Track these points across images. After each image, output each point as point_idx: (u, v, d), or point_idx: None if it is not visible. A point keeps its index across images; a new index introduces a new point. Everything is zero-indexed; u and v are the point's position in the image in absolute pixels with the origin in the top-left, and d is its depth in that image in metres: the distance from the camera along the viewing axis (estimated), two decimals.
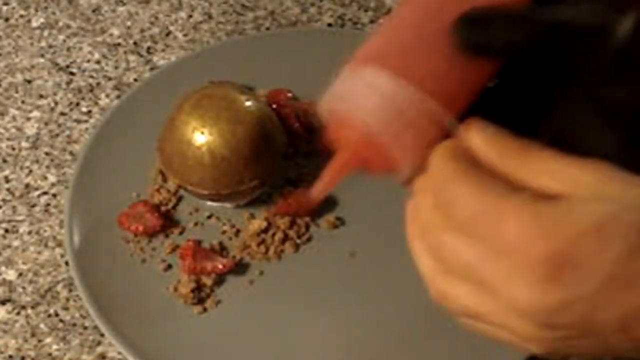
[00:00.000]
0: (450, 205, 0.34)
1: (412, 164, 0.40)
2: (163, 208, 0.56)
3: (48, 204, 0.58)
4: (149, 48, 0.67)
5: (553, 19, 0.35)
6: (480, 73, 0.39)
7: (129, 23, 0.69)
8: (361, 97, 0.39)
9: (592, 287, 0.29)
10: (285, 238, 0.54)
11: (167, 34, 0.68)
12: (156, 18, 0.70)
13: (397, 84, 0.38)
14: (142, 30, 0.69)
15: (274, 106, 0.58)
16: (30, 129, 0.62)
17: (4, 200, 0.59)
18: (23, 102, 0.64)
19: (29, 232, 0.57)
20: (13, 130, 0.62)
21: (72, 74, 0.66)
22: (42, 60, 0.67)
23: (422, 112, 0.39)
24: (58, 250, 0.56)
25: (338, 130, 0.41)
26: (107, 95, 0.64)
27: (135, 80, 0.65)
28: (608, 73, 0.33)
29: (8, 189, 0.59)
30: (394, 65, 0.39)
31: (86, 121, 0.63)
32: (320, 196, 0.44)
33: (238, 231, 0.55)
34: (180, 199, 0.56)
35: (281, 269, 0.54)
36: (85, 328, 0.53)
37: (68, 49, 0.68)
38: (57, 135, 0.62)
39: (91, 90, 0.65)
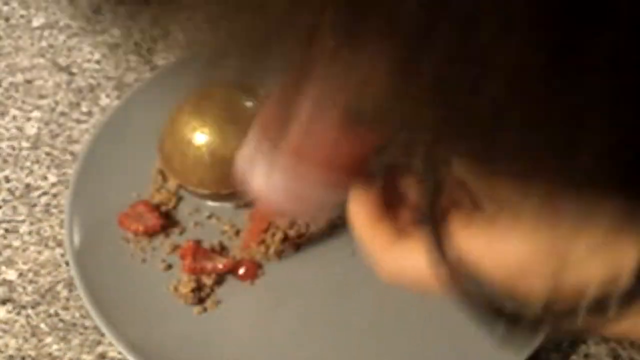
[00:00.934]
0: None
1: (317, 214, 0.47)
2: (163, 208, 0.56)
3: (48, 204, 0.58)
4: (149, 48, 0.68)
5: None
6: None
7: (129, 23, 0.69)
8: (259, 170, 0.43)
9: None
10: (285, 238, 0.54)
11: (168, 34, 0.68)
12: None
13: (287, 155, 0.41)
14: (142, 30, 0.69)
15: None
16: (31, 129, 0.62)
17: (4, 200, 0.59)
18: (23, 102, 0.64)
19: (29, 232, 0.57)
20: (13, 130, 0.62)
21: (72, 74, 0.66)
22: (42, 60, 0.67)
23: (313, 178, 0.41)
24: (58, 250, 0.56)
25: (249, 194, 0.44)
26: (108, 95, 0.64)
27: (135, 80, 0.65)
28: None
29: (8, 189, 0.59)
30: (289, 136, 0.41)
31: (86, 121, 0.63)
32: (247, 247, 0.53)
33: (238, 231, 0.55)
34: (180, 199, 0.56)
35: (281, 269, 0.54)
36: (85, 328, 0.53)
37: (68, 49, 0.68)
38: (58, 135, 0.62)
39: (91, 90, 0.65)
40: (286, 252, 0.54)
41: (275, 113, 0.42)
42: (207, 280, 0.52)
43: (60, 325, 0.53)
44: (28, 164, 0.60)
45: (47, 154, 0.61)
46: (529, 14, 0.21)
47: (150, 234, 0.54)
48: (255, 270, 0.53)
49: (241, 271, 0.53)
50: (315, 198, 0.43)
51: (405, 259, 0.38)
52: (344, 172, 0.42)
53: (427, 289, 0.38)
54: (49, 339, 0.52)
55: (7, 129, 0.62)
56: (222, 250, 0.54)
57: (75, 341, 0.52)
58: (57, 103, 0.64)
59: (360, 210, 0.41)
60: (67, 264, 0.55)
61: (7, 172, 0.60)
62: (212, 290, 0.52)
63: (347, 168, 0.41)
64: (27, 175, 0.60)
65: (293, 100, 0.39)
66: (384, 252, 0.39)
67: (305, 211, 0.45)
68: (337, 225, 0.55)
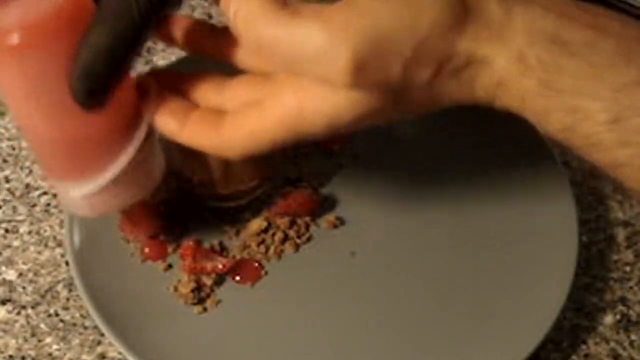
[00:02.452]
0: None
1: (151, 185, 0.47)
2: (163, 208, 0.56)
3: (48, 204, 0.58)
4: (149, 48, 0.67)
5: None
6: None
7: None
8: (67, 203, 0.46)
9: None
10: (285, 238, 0.54)
11: None
12: None
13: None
14: None
15: None
16: None
17: (4, 200, 0.59)
18: None
19: (29, 232, 0.57)
20: (13, 130, 0.62)
21: None
22: None
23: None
24: (58, 250, 0.56)
25: None
26: None
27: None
28: None
29: (8, 189, 0.59)
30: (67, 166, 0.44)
31: None
32: None
33: (238, 231, 0.55)
34: (180, 199, 0.56)
35: (281, 269, 0.54)
36: (85, 328, 0.53)
37: None
38: None
39: None
40: (286, 252, 0.54)
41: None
42: (207, 280, 0.52)
43: (60, 325, 0.53)
44: (28, 164, 0.60)
45: None
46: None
47: (151, 236, 0.54)
48: (254, 273, 0.53)
49: (237, 278, 0.53)
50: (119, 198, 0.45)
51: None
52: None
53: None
54: (49, 339, 0.52)
55: (7, 129, 0.62)
56: (222, 250, 0.54)
57: (75, 341, 0.52)
58: None
59: (165, 128, 0.43)
60: (67, 264, 0.55)
61: (7, 172, 0.60)
62: (212, 290, 0.52)
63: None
64: (27, 175, 0.60)
65: None
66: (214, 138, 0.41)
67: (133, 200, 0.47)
68: (337, 225, 0.55)
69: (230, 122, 0.41)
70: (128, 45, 0.39)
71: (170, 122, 0.42)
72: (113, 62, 0.39)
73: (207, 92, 0.44)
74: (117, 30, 0.38)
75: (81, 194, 0.44)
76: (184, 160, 0.52)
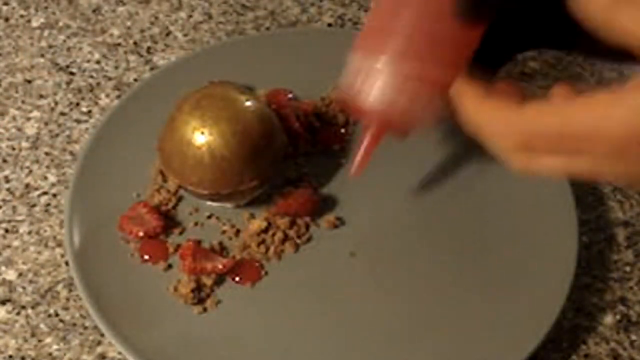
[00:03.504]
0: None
1: (429, 119, 0.44)
2: (163, 208, 0.56)
3: (48, 204, 0.58)
4: (149, 48, 0.68)
5: None
6: (476, 31, 0.41)
7: (129, 23, 0.69)
8: (366, 85, 0.43)
9: None
10: (285, 238, 0.54)
11: (167, 34, 0.69)
12: (156, 18, 0.70)
13: (392, 64, 0.42)
14: (142, 30, 0.69)
15: (274, 106, 0.58)
16: (30, 129, 0.62)
17: (4, 200, 0.59)
18: (23, 102, 0.64)
19: (29, 232, 0.57)
20: (13, 130, 0.62)
21: (72, 74, 0.66)
22: (42, 60, 0.67)
23: (423, 81, 0.42)
24: (58, 250, 0.56)
25: (358, 114, 0.45)
26: (107, 95, 0.64)
27: (135, 80, 0.65)
28: None
29: (8, 189, 0.59)
30: (391, 45, 0.42)
31: (86, 121, 0.63)
32: (360, 173, 0.50)
33: (238, 231, 0.55)
34: (180, 199, 0.56)
35: (281, 269, 0.54)
36: (85, 328, 0.53)
37: (68, 49, 0.68)
38: (57, 135, 0.62)
39: (91, 90, 0.65)
40: (286, 252, 0.54)
41: (376, 23, 0.43)
42: (207, 281, 0.52)
43: (60, 325, 0.53)
44: (28, 164, 0.60)
45: (47, 153, 0.61)
46: None
47: (151, 236, 0.54)
48: (254, 273, 0.53)
49: (237, 278, 0.53)
50: (422, 105, 0.43)
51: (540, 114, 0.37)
52: (449, 71, 0.42)
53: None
54: (48, 339, 0.52)
55: (7, 129, 0.62)
56: (222, 250, 0.54)
57: (75, 341, 0.52)
58: (56, 103, 0.64)
59: (467, 91, 0.41)
60: (67, 264, 0.55)
61: (7, 172, 0.60)
62: (212, 290, 0.52)
63: (451, 65, 0.42)
64: (27, 175, 0.60)
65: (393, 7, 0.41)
66: (513, 110, 0.38)
67: (414, 120, 0.44)
68: (337, 225, 0.55)
69: (535, 103, 0.38)
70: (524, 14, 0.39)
71: (476, 85, 0.41)
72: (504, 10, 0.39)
73: None
74: None
75: (387, 69, 0.43)
76: (185, 161, 0.52)
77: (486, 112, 0.40)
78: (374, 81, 0.43)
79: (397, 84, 0.43)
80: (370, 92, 0.43)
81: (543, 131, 0.37)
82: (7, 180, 0.60)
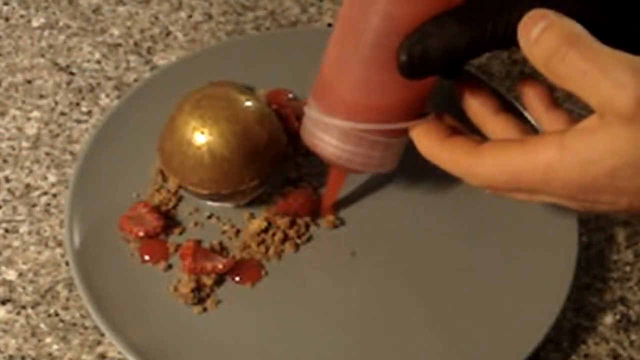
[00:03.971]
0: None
1: (391, 161, 0.48)
2: (163, 208, 0.56)
3: (48, 204, 0.58)
4: (149, 48, 0.68)
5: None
6: (427, 81, 0.43)
7: (129, 23, 0.69)
8: (325, 136, 0.46)
9: None
10: (285, 238, 0.54)
11: (167, 34, 0.69)
12: (156, 18, 0.70)
13: (348, 124, 0.44)
14: (142, 30, 0.69)
15: (274, 106, 0.58)
16: (31, 129, 0.62)
17: (4, 200, 0.59)
18: (23, 102, 0.64)
19: (29, 232, 0.57)
20: (13, 130, 0.62)
21: (72, 74, 0.66)
22: (42, 60, 0.67)
23: (380, 134, 0.45)
24: (58, 250, 0.56)
25: (320, 159, 0.48)
26: (107, 95, 0.64)
27: (135, 80, 0.65)
28: None
29: (8, 189, 0.59)
30: (344, 107, 0.44)
31: (86, 121, 0.63)
32: (330, 212, 0.55)
33: (238, 231, 0.55)
34: (180, 199, 0.56)
35: (281, 269, 0.54)
36: (85, 328, 0.53)
37: (68, 49, 0.68)
38: (57, 135, 0.62)
39: (91, 90, 0.65)
40: (286, 252, 0.54)
41: (329, 76, 0.45)
42: (207, 281, 0.52)
43: (60, 325, 0.53)
44: (28, 164, 0.60)
45: (47, 154, 0.61)
46: None
47: (151, 236, 0.54)
48: (254, 273, 0.53)
49: (237, 278, 0.53)
50: (381, 151, 0.46)
51: (499, 155, 0.39)
52: (406, 118, 0.44)
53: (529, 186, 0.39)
54: (49, 339, 0.52)
55: (7, 129, 0.62)
56: (222, 250, 0.54)
57: (75, 341, 0.52)
58: (56, 103, 0.64)
59: (427, 133, 0.43)
60: (67, 264, 0.55)
61: (7, 172, 0.60)
62: (212, 290, 0.52)
63: (406, 114, 0.44)
64: (27, 175, 0.60)
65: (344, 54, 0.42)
66: (470, 158, 0.40)
67: (375, 164, 0.47)
68: (337, 225, 0.55)
69: (489, 149, 0.40)
70: (472, 55, 0.39)
71: (433, 131, 0.43)
72: (450, 62, 0.40)
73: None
74: (474, 37, 0.38)
75: (333, 124, 0.45)
76: (185, 161, 0.52)
77: (444, 157, 0.42)
78: (332, 134, 0.45)
79: (355, 138, 0.45)
80: (330, 143, 0.46)
81: (499, 179, 0.39)
82: (7, 180, 0.60)
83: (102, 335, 0.52)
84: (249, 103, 0.53)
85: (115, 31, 0.69)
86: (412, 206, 0.56)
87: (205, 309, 0.52)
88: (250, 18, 0.70)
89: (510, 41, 0.38)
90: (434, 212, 0.56)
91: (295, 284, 0.53)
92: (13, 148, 0.61)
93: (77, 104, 0.64)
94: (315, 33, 0.67)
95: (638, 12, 0.39)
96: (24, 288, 0.54)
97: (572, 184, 0.37)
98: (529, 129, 0.44)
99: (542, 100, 0.43)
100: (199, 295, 0.52)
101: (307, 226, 0.55)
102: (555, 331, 0.51)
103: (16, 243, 0.57)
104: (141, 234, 0.54)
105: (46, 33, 0.69)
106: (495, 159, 0.39)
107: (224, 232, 0.55)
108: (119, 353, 0.51)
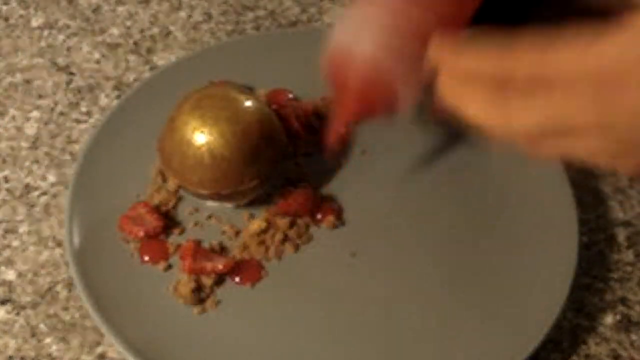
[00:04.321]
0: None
1: (412, 88, 0.45)
2: (163, 208, 0.56)
3: (48, 204, 0.58)
4: (149, 48, 0.67)
5: None
6: None
7: (129, 23, 0.69)
8: (359, 30, 0.44)
9: None
10: (285, 238, 0.54)
11: (167, 34, 0.68)
12: (156, 18, 0.70)
13: (383, 9, 0.43)
14: (142, 30, 0.69)
15: (274, 106, 0.58)
16: (30, 129, 0.62)
17: (3, 200, 0.59)
18: (23, 102, 0.64)
19: (29, 232, 0.57)
20: (13, 130, 0.62)
21: (72, 74, 0.66)
22: (41, 60, 0.67)
23: (415, 28, 0.44)
24: (58, 250, 0.56)
25: (342, 73, 0.45)
26: (107, 95, 0.64)
27: (135, 80, 0.65)
28: None
29: (8, 189, 0.59)
30: None
31: (86, 121, 0.63)
32: (334, 142, 0.50)
33: (238, 231, 0.55)
34: (180, 199, 0.56)
35: (281, 269, 0.54)
36: (85, 328, 0.53)
37: (68, 49, 0.68)
38: (57, 135, 0.62)
39: (91, 90, 0.65)
40: (286, 252, 0.54)
41: None
42: (207, 281, 0.52)
43: (60, 325, 0.53)
44: (27, 164, 0.60)
45: (47, 153, 0.61)
46: None
47: (151, 236, 0.54)
48: (254, 273, 0.53)
49: (237, 278, 0.53)
50: (412, 57, 0.43)
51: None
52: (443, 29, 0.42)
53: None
54: (48, 339, 0.52)
55: (7, 129, 0.62)
56: (222, 250, 0.54)
57: (75, 341, 0.52)
58: (56, 103, 0.64)
59: (445, 44, 0.40)
60: (66, 264, 0.55)
61: (6, 172, 0.60)
62: (212, 290, 0.52)
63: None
64: (26, 175, 0.60)
65: None
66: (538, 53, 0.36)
67: (396, 84, 0.44)
68: (337, 226, 0.55)
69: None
70: None
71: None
72: None
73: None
74: None
75: None
76: (185, 161, 0.52)
77: (464, 60, 0.39)
78: (367, 28, 0.43)
79: (392, 22, 0.43)
80: (363, 37, 0.43)
81: (517, 66, 0.36)
82: (6, 180, 0.60)
83: (102, 335, 0.52)
84: (249, 103, 0.53)
85: (115, 31, 0.69)
86: (412, 207, 0.56)
87: (205, 309, 0.52)
88: (250, 18, 0.70)
89: None
90: (434, 212, 0.56)
91: (295, 285, 0.53)
92: (12, 148, 0.61)
93: (77, 104, 0.64)
94: (315, 33, 0.67)
95: None
96: (23, 288, 0.54)
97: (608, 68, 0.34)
98: None
99: None
100: (199, 296, 0.52)
101: (307, 226, 0.55)
102: (555, 331, 0.51)
103: (15, 243, 0.56)
104: (141, 234, 0.54)
105: (45, 33, 0.69)
106: (517, 51, 0.36)
107: (223, 232, 0.55)
108: (119, 353, 0.51)
